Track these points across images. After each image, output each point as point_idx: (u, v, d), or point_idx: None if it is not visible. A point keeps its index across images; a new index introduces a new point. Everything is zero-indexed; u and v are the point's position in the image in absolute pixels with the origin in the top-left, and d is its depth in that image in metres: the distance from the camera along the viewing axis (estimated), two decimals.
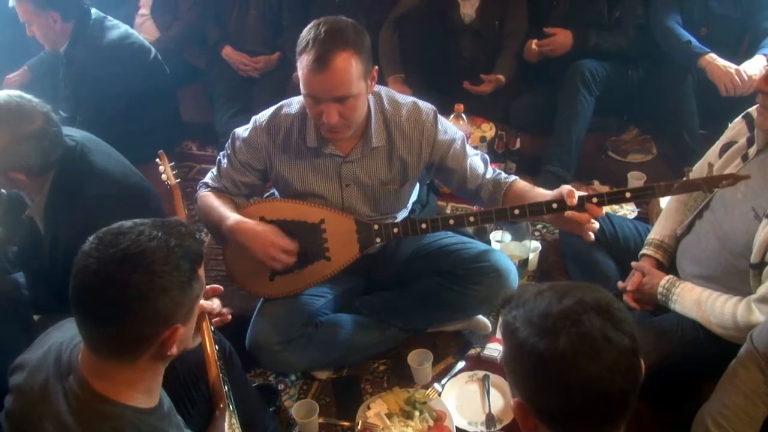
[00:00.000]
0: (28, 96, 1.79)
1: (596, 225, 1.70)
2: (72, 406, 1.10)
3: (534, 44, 2.93)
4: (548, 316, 0.96)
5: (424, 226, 1.84)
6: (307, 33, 1.69)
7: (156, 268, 1.06)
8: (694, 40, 2.70)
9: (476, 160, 1.96)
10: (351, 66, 1.66)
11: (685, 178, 1.68)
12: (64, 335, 1.22)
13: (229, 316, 1.56)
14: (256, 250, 1.83)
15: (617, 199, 1.73)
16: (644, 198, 1.75)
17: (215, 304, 1.51)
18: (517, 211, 1.74)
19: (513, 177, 1.94)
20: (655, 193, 1.69)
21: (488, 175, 1.95)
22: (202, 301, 1.44)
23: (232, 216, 1.87)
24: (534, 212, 1.73)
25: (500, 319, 1.08)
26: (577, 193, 1.68)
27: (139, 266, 1.06)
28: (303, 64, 1.68)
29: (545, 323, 0.96)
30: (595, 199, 1.68)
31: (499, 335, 2.15)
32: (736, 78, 2.54)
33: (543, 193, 1.79)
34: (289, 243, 1.85)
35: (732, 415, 1.43)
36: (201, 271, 1.15)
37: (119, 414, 1.11)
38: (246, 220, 1.86)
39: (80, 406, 1.10)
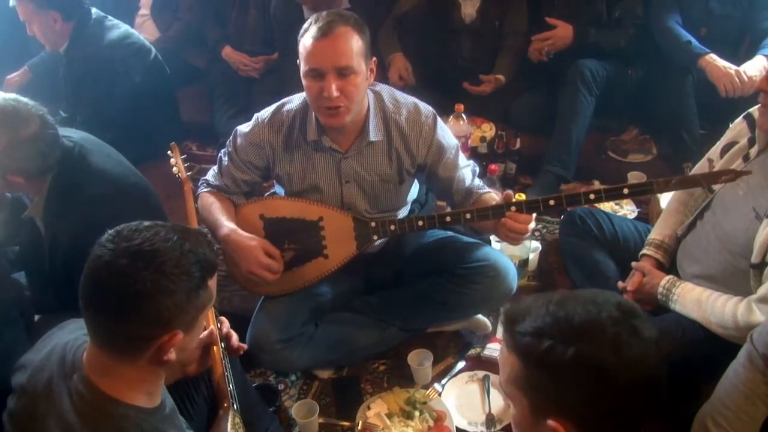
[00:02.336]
0: (24, 99, 1.79)
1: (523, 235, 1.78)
2: (76, 405, 1.11)
3: (533, 44, 2.92)
4: (599, 327, 0.94)
5: (420, 223, 1.85)
6: (308, 22, 1.75)
7: (165, 269, 1.07)
8: (694, 41, 2.70)
9: (465, 172, 1.98)
10: (353, 39, 1.72)
11: (684, 174, 1.67)
12: (68, 336, 1.23)
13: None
14: (241, 264, 1.86)
15: (616, 195, 1.73)
16: (643, 194, 1.75)
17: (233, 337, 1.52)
18: (513, 208, 1.76)
19: (486, 190, 1.98)
20: (654, 189, 1.68)
21: (467, 183, 1.97)
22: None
23: (226, 225, 1.89)
24: (530, 208, 1.75)
25: (509, 340, 1.02)
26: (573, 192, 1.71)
27: (149, 264, 1.06)
28: (305, 40, 1.73)
29: (599, 334, 0.93)
30: (592, 196, 1.70)
31: (498, 335, 2.15)
32: (736, 79, 2.53)
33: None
34: (273, 262, 1.86)
35: (732, 415, 1.43)
36: (212, 283, 1.15)
37: (123, 413, 1.11)
38: (238, 231, 1.87)
39: (84, 405, 1.11)
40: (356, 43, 1.73)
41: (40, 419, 1.13)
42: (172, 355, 1.11)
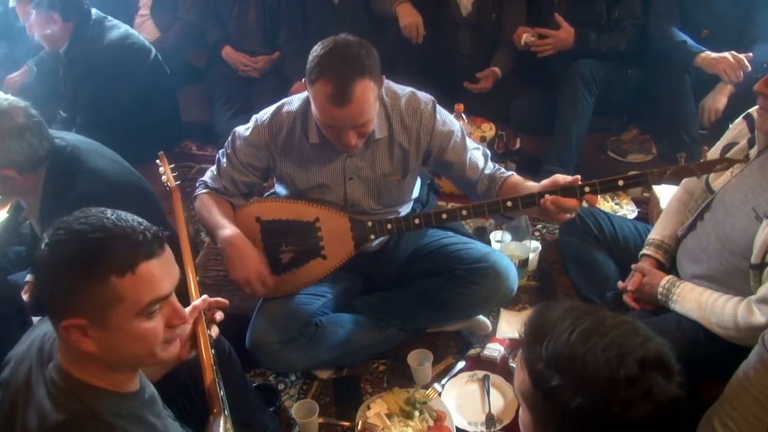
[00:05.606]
0: (3, 95, 1.80)
1: (573, 214, 1.71)
2: (50, 392, 1.11)
3: (530, 36, 2.91)
4: (612, 385, 0.90)
5: (417, 221, 1.84)
6: (317, 59, 1.66)
7: (59, 248, 1.06)
8: (689, 40, 2.72)
9: (476, 154, 1.95)
10: (370, 93, 1.67)
11: (678, 165, 1.67)
12: (48, 327, 1.22)
13: (218, 317, 1.54)
14: (239, 270, 1.85)
15: (610, 187, 1.73)
16: (638, 185, 1.74)
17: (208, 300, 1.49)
18: (509, 203, 1.74)
19: (510, 172, 1.95)
20: (648, 180, 1.68)
21: (487, 170, 1.95)
22: (197, 303, 1.43)
23: (229, 227, 1.88)
24: (526, 204, 1.72)
25: (524, 354, 0.99)
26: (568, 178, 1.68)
27: (51, 240, 1.07)
28: (320, 94, 1.66)
29: (610, 393, 0.89)
30: (587, 188, 1.68)
31: (498, 335, 2.15)
32: (732, 60, 2.57)
33: (535, 186, 1.79)
34: (269, 278, 1.87)
35: (739, 416, 1.43)
36: (120, 282, 1.06)
37: (95, 398, 1.11)
38: (242, 236, 1.87)
39: (58, 391, 1.11)
40: (372, 93, 1.68)
41: (20, 409, 1.14)
42: (88, 346, 1.08)
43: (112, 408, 1.12)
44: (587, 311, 0.98)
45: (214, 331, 1.45)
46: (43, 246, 1.07)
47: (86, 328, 1.07)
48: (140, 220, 1.12)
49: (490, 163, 1.97)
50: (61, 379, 1.12)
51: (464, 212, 1.79)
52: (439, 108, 1.93)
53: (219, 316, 1.49)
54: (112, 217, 1.09)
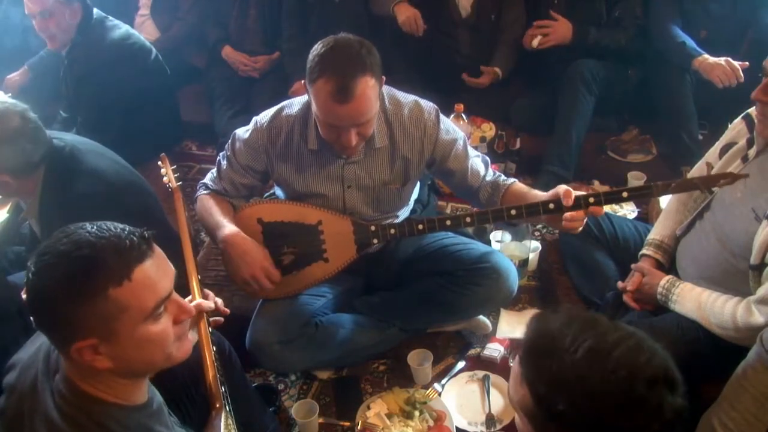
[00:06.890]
0: (2, 97, 1.80)
1: (583, 222, 1.73)
2: (58, 404, 1.11)
3: (539, 39, 2.92)
4: (625, 412, 0.89)
5: (420, 227, 1.84)
6: (318, 58, 1.66)
7: (41, 272, 1.04)
8: (688, 41, 2.72)
9: (477, 162, 1.96)
10: (371, 90, 1.67)
11: (682, 178, 1.67)
12: None
13: (222, 319, 1.55)
14: (242, 267, 1.84)
15: (615, 198, 1.73)
16: (642, 198, 1.75)
17: (211, 303, 1.50)
18: (513, 212, 1.74)
19: (512, 179, 1.95)
20: (653, 193, 1.69)
21: (488, 177, 1.95)
22: (199, 301, 1.44)
23: (228, 226, 1.87)
24: (531, 213, 1.73)
25: (524, 371, 0.97)
26: (574, 193, 1.68)
27: (36, 264, 1.05)
28: (322, 92, 1.65)
29: (621, 418, 0.89)
30: (592, 199, 1.68)
31: (498, 335, 2.16)
32: (727, 67, 2.57)
33: (540, 195, 1.80)
34: (275, 272, 1.87)
35: (739, 416, 1.43)
36: (118, 292, 1.04)
37: (104, 411, 1.11)
38: (242, 234, 1.86)
39: (66, 404, 1.10)
40: (373, 91, 1.67)
41: (27, 417, 1.13)
42: (102, 363, 1.08)
43: (120, 421, 1.11)
44: (586, 325, 0.95)
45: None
46: (30, 276, 1.04)
47: (97, 346, 1.06)
48: (122, 225, 1.09)
49: (490, 170, 1.98)
50: (69, 392, 1.11)
51: (468, 219, 1.79)
52: (442, 116, 1.93)
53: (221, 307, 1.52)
54: (94, 230, 1.07)
